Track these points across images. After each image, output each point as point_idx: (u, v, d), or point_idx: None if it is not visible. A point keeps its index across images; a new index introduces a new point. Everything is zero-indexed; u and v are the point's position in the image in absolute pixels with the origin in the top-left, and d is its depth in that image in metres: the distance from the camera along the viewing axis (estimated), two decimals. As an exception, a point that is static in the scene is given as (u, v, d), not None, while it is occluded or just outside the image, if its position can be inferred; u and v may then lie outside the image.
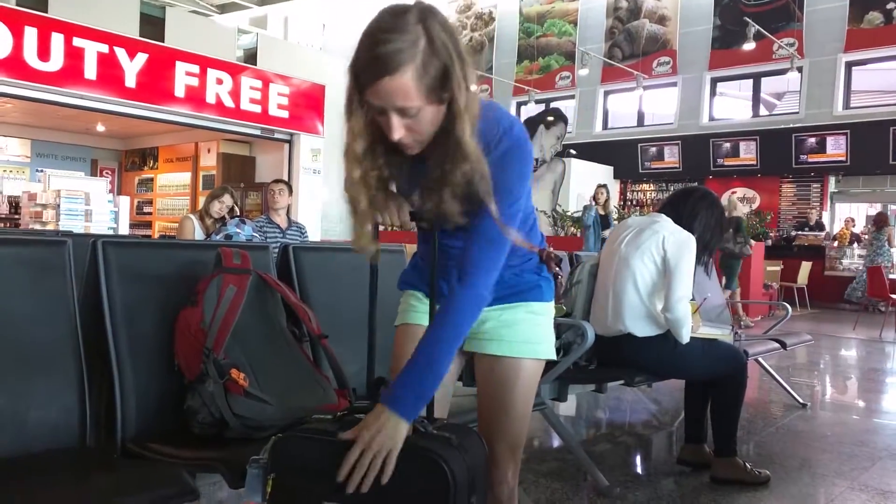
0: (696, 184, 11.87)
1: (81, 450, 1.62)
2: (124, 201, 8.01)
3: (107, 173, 12.02)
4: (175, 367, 1.78)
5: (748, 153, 13.20)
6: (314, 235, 8.43)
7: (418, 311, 1.52)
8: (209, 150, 10.82)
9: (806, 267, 10.59)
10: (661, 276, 2.71)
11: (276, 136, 9.81)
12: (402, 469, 1.18)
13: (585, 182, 12.25)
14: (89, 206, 7.07)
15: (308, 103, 9.89)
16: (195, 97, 8.64)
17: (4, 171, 10.86)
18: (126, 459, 1.63)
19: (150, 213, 12.03)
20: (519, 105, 15.91)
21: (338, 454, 1.20)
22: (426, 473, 1.17)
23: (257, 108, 9.31)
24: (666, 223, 2.77)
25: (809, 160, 12.58)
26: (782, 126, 12.85)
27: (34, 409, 1.57)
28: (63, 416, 1.62)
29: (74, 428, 1.64)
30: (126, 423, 1.70)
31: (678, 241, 2.70)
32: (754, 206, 13.18)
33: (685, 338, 2.67)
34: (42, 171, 9.12)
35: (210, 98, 8.79)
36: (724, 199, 7.52)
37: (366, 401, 1.31)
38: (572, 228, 11.13)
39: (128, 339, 1.74)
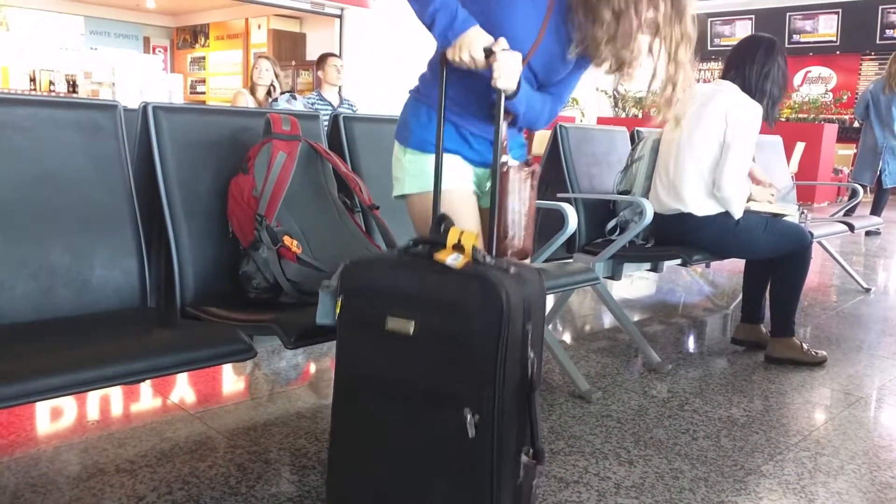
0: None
1: (143, 310, 1.68)
2: (177, 79, 8.00)
3: (159, 51, 12.00)
4: (230, 234, 1.80)
5: (828, 28, 12.21)
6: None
7: (464, 179, 1.61)
8: (259, 27, 10.62)
9: (881, 151, 9.99)
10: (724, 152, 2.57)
11: (326, 10, 9.51)
12: (462, 288, 1.23)
13: (650, 60, 11.58)
14: (144, 83, 7.08)
15: (358, -26, 9.47)
16: (242, -32, 8.38)
17: (60, 49, 10.90)
18: (186, 320, 1.68)
19: (203, 93, 12.05)
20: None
21: (402, 275, 1.30)
22: (482, 294, 1.21)
23: (306, -19, 9.00)
24: (730, 93, 2.59)
25: (896, 35, 11.57)
26: (870, -4, 11.76)
27: (97, 269, 1.62)
28: (124, 278, 1.67)
29: (136, 290, 1.69)
30: (184, 286, 1.74)
31: (742, 115, 2.54)
32: (829, 87, 12.36)
33: (737, 213, 2.57)
34: (96, 48, 9.14)
35: (258, -31, 8.52)
36: None
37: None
38: (633, 109, 10.70)
39: (182, 205, 1.75)
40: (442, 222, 1.34)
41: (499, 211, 1.50)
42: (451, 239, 1.28)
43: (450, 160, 1.57)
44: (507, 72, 1.40)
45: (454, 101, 1.54)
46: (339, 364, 1.38)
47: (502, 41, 1.41)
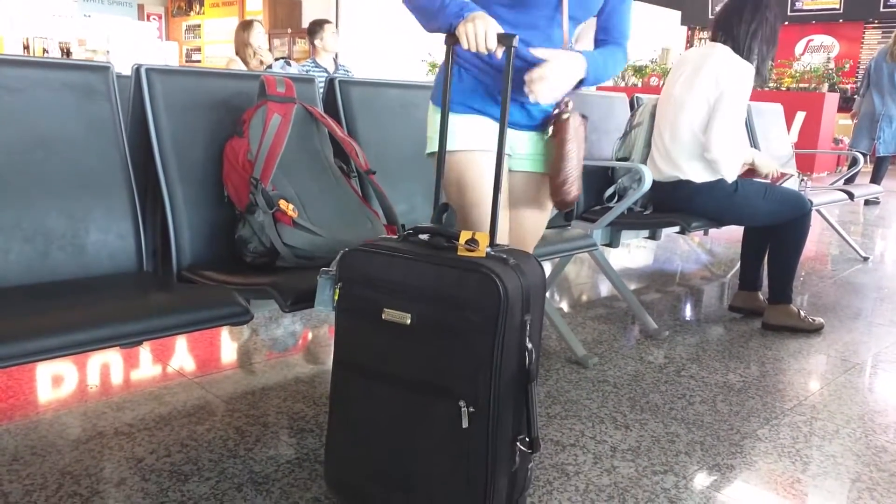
0: None
1: (139, 274, 1.67)
2: (173, 47, 7.91)
3: (154, 18, 11.82)
4: (225, 198, 1.78)
5: (832, -5, 12.05)
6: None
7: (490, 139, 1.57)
8: (255, -7, 10.44)
9: (883, 121, 9.92)
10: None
11: (323, -25, 9.35)
12: (459, 281, 1.23)
13: (649, 29, 11.47)
14: (139, 51, 7.00)
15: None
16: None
17: (53, 16, 10.73)
18: (182, 284, 1.68)
19: (198, 62, 11.89)
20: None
21: (399, 267, 1.28)
22: (480, 286, 1.21)
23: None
24: (721, 56, 2.56)
25: (901, 2, 11.43)
26: (874, -37, 11.59)
27: (92, 233, 1.61)
28: (120, 242, 1.65)
29: (132, 254, 1.68)
30: (180, 251, 1.72)
31: (731, 75, 2.51)
32: (831, 56, 12.23)
33: (729, 176, 2.55)
34: (89, 15, 8.99)
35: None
36: None
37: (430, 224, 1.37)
38: (633, 79, 10.58)
39: (177, 168, 1.73)
40: (444, 212, 1.36)
41: (559, 159, 1.55)
42: (465, 237, 1.28)
43: (474, 121, 1.56)
44: (548, 92, 1.41)
45: (490, 63, 1.52)
46: (338, 350, 1.39)
47: (516, 38, 1.37)
